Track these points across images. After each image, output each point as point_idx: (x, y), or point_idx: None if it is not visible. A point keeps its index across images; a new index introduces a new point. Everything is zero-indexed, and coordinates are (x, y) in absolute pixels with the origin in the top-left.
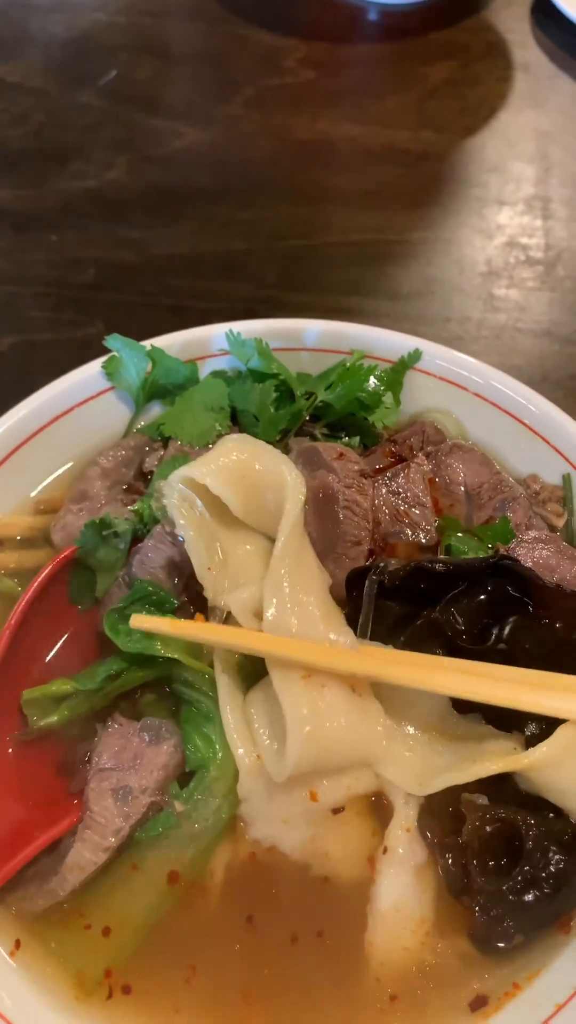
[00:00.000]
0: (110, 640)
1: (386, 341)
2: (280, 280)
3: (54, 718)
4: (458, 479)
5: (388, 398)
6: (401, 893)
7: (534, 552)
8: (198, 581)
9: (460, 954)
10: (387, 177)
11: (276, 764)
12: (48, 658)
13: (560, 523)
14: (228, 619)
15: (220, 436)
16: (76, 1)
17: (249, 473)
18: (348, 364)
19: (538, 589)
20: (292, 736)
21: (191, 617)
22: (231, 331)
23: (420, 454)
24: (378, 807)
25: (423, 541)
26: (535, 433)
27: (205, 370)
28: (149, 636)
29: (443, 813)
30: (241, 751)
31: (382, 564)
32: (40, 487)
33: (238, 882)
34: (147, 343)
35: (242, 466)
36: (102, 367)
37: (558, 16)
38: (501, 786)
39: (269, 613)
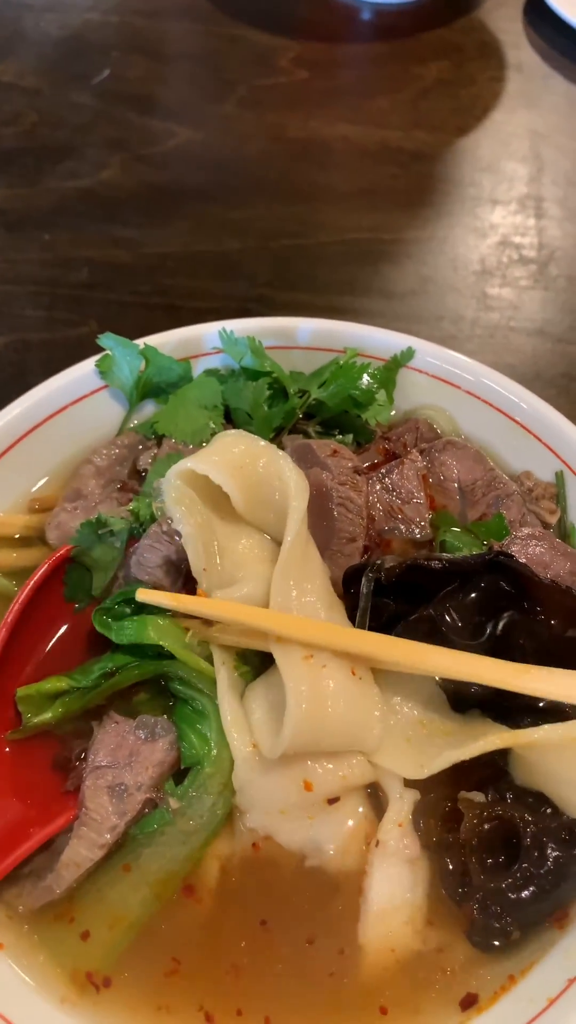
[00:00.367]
0: (106, 638)
1: (379, 339)
2: (274, 279)
3: (48, 715)
4: (452, 475)
5: (381, 395)
6: (393, 886)
7: (528, 548)
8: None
9: (453, 948)
10: (381, 176)
11: (271, 741)
12: (44, 656)
13: (553, 520)
14: None
15: (214, 434)
16: (69, 0)
17: (248, 465)
18: (341, 362)
19: (533, 586)
20: (291, 711)
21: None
22: (224, 329)
23: (414, 450)
24: (374, 800)
25: (417, 537)
26: (527, 430)
27: (198, 368)
28: (141, 626)
29: (440, 811)
30: (237, 740)
31: (379, 562)
32: (35, 486)
33: (233, 874)
34: (140, 341)
35: (241, 458)
36: (95, 365)
37: (551, 16)
38: (498, 783)
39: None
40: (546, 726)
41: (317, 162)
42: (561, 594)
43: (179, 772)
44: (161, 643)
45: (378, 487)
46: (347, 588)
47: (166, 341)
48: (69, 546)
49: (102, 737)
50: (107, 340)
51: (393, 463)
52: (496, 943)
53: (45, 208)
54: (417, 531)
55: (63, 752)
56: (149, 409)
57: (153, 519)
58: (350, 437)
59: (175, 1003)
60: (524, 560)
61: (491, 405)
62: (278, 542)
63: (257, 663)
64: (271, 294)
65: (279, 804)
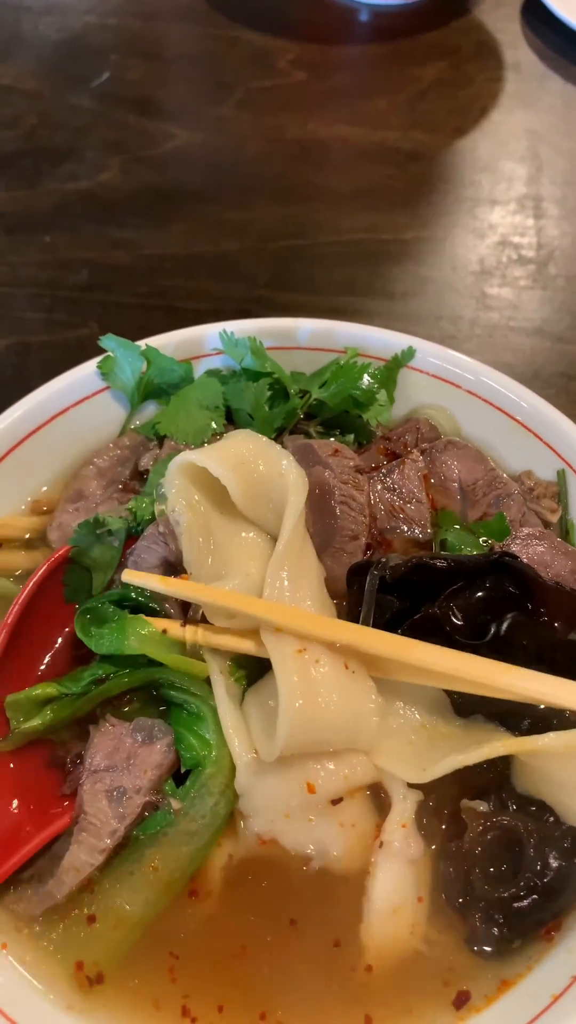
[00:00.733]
0: None
1: (379, 339)
2: (272, 280)
3: (37, 722)
4: (453, 475)
5: (382, 395)
6: (396, 888)
7: (528, 548)
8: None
9: (453, 949)
10: (379, 177)
11: (268, 744)
12: (46, 658)
13: (554, 519)
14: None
15: (216, 434)
16: (67, 3)
17: (249, 462)
18: (342, 362)
19: (538, 587)
20: (284, 708)
21: (185, 617)
22: (225, 331)
23: (415, 450)
24: (377, 801)
25: (419, 537)
26: (528, 430)
27: (200, 369)
28: (121, 635)
29: (442, 819)
30: (238, 747)
31: (384, 559)
32: (37, 488)
33: (237, 876)
34: (142, 343)
35: (244, 455)
36: (97, 367)
37: (548, 16)
38: (500, 790)
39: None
40: (551, 734)
41: (315, 163)
42: (566, 596)
43: (179, 774)
44: (143, 653)
45: (379, 487)
46: (350, 585)
47: (167, 342)
48: (68, 546)
49: (99, 740)
50: (109, 342)
51: (394, 463)
52: (496, 951)
53: (44, 210)
54: (419, 531)
55: (58, 755)
56: (151, 410)
57: (152, 519)
58: (351, 437)
59: (175, 1001)
60: (525, 560)
61: (492, 404)
62: (276, 541)
63: (252, 668)
64: (270, 295)
65: (283, 808)
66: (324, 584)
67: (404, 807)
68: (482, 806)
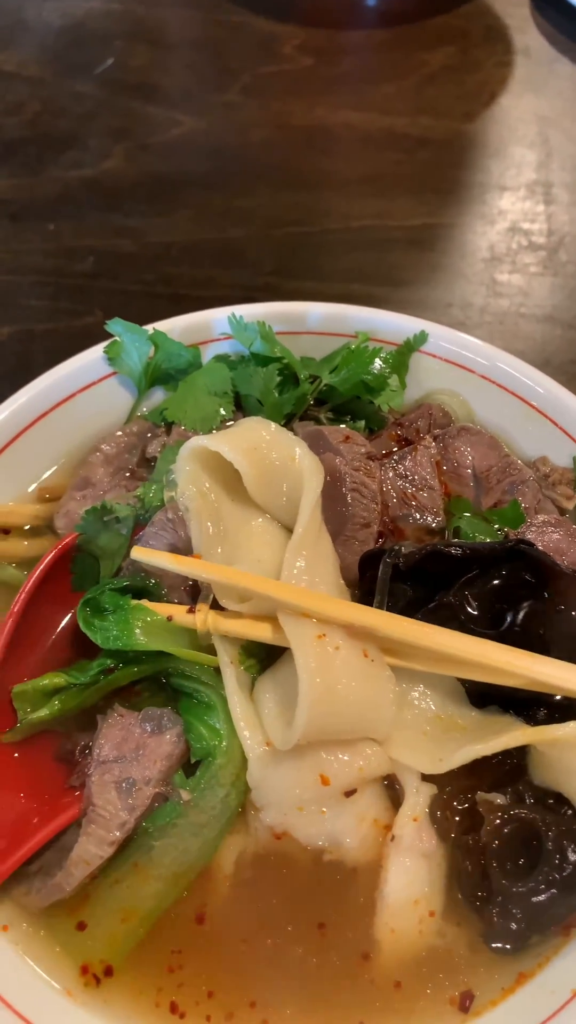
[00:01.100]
0: None
1: (391, 323)
2: (278, 267)
3: (44, 712)
4: (466, 462)
5: (394, 381)
6: (409, 882)
7: (544, 536)
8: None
9: (467, 944)
10: (386, 163)
11: (284, 733)
12: (53, 647)
13: (570, 505)
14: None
15: (224, 421)
16: None
17: (262, 448)
18: (353, 347)
19: (554, 575)
20: (304, 694)
21: (192, 606)
22: (234, 315)
23: (427, 437)
24: (391, 793)
25: (432, 525)
26: (543, 415)
27: (208, 354)
28: (128, 628)
29: (458, 811)
30: (250, 739)
31: (397, 547)
32: (43, 475)
33: (248, 869)
34: (150, 327)
35: (257, 440)
36: (104, 352)
37: (558, 0)
38: (516, 782)
39: None
40: (572, 723)
41: (322, 149)
42: None
43: (187, 764)
44: (152, 648)
45: (391, 474)
46: (363, 573)
47: (175, 327)
48: (75, 534)
49: (107, 731)
50: (116, 326)
51: (406, 450)
52: (514, 947)
53: (48, 198)
54: (431, 518)
55: (65, 745)
56: (158, 396)
57: (161, 506)
58: (362, 423)
59: (180, 996)
60: (541, 547)
61: (506, 389)
62: (288, 529)
63: (262, 656)
64: (276, 282)
65: (296, 801)
66: (339, 572)
67: (417, 800)
68: (499, 799)
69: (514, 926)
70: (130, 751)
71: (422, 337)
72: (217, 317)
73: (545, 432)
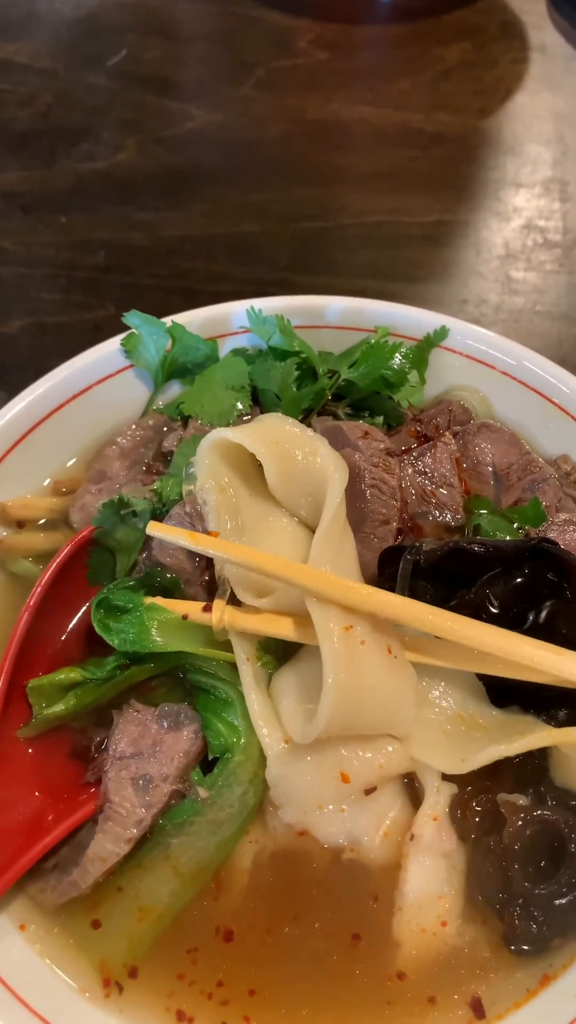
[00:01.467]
0: None
1: (411, 318)
2: (293, 262)
3: (60, 707)
4: (486, 459)
5: (413, 376)
6: (429, 882)
7: (565, 534)
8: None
9: (488, 946)
10: (401, 159)
11: (304, 726)
12: (69, 642)
13: None
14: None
15: (241, 415)
16: None
17: (284, 442)
18: (372, 341)
19: None
20: (329, 686)
21: (208, 603)
22: (252, 308)
23: (447, 433)
24: (412, 791)
25: (451, 522)
26: (566, 412)
27: (225, 348)
28: (144, 629)
29: (478, 812)
30: (268, 736)
31: (418, 544)
32: (59, 468)
33: (266, 866)
34: (167, 320)
35: (276, 434)
36: (121, 344)
37: None
38: (538, 784)
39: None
40: None
41: (336, 144)
42: None
43: (205, 761)
44: (169, 649)
45: (410, 470)
46: (382, 569)
47: (192, 320)
48: (91, 527)
49: (123, 727)
50: (133, 318)
51: (426, 446)
52: (535, 950)
53: (61, 190)
54: (451, 516)
55: (81, 742)
56: (175, 390)
57: (178, 500)
58: (380, 419)
59: (195, 996)
60: (561, 546)
61: (527, 386)
62: (308, 527)
63: (279, 652)
64: (291, 277)
65: (315, 799)
66: (360, 570)
67: (437, 800)
68: (521, 800)
69: (535, 929)
70: (147, 747)
71: (443, 332)
72: (235, 310)
73: (566, 430)
